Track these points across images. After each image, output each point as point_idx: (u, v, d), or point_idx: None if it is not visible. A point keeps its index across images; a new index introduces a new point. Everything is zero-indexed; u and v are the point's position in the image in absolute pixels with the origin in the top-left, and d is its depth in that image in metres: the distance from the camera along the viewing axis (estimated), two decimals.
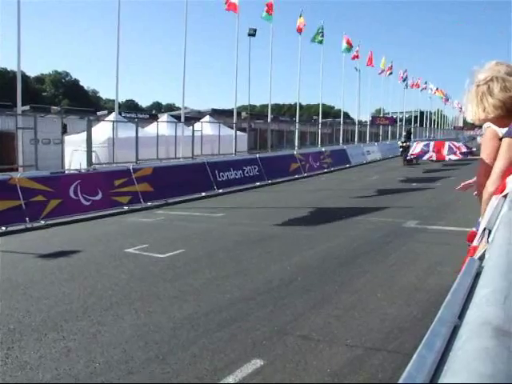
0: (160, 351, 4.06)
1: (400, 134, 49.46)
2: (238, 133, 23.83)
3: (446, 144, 22.58)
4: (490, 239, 1.72)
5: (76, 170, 14.48)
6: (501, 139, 2.48)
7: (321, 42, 30.24)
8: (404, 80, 49.30)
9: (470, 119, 2.37)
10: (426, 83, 57.11)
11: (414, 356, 0.75)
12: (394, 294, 5.25)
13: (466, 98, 2.26)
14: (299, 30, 27.37)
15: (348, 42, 33.64)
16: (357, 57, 36.00)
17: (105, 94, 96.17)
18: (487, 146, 2.80)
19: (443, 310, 0.93)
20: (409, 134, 27.89)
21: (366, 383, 3.44)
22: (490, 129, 2.87)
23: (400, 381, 0.68)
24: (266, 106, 30.18)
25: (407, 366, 0.74)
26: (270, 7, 23.98)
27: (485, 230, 1.99)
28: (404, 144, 26.41)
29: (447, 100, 69.89)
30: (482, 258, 1.48)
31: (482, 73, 2.28)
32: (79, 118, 25.06)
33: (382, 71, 41.55)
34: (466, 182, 3.73)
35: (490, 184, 2.39)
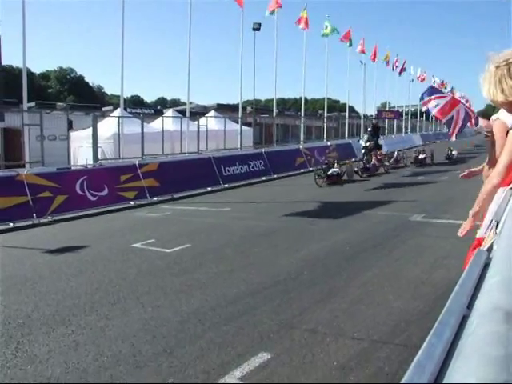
0: (167, 345, 4.09)
1: (406, 128, 49.13)
2: (244, 127, 23.79)
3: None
4: (497, 230, 1.72)
5: (82, 165, 14.55)
6: (507, 132, 2.46)
7: (332, 31, 29.87)
8: (416, 74, 49.07)
9: (485, 96, 2.34)
10: (432, 76, 56.70)
11: (424, 344, 0.75)
12: (400, 288, 5.25)
13: (483, 77, 2.22)
14: (300, 23, 26.96)
15: (346, 36, 32.97)
16: (363, 51, 35.70)
17: (110, 89, 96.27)
18: (498, 138, 2.79)
19: (452, 299, 0.93)
20: (375, 129, 19.33)
21: (372, 382, 3.44)
22: (499, 121, 2.85)
23: (410, 368, 0.68)
24: (272, 100, 30.09)
25: (417, 354, 0.74)
26: (276, 2, 23.76)
27: (492, 221, 1.98)
28: (368, 144, 18.19)
29: (452, 93, 69.40)
30: (490, 249, 1.48)
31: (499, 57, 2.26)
32: (85, 114, 25.08)
33: (388, 62, 41.23)
34: (472, 170, 3.72)
35: (495, 175, 2.36)
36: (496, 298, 0.64)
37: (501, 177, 2.32)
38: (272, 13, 24.03)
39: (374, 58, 38.02)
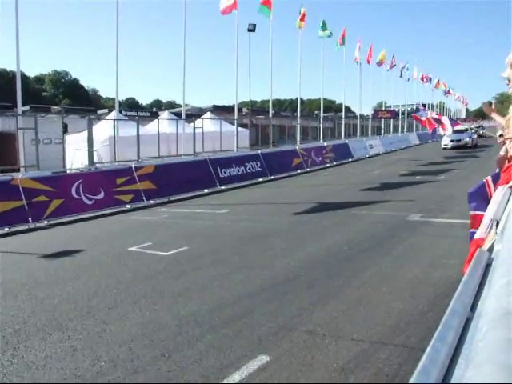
0: (165, 349, 4.05)
1: (402, 127, 49.23)
2: (240, 129, 23.78)
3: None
4: (498, 230, 1.69)
5: (78, 169, 14.48)
6: None
7: (330, 34, 30.07)
8: (412, 73, 49.39)
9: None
10: (427, 73, 56.87)
11: (428, 349, 0.72)
12: (399, 288, 5.23)
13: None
14: (303, 20, 26.92)
15: (342, 37, 33.15)
16: (357, 59, 35.80)
17: (105, 92, 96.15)
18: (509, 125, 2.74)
19: (455, 302, 0.90)
20: None
21: (377, 383, 3.42)
22: None
23: (415, 374, 0.66)
24: (267, 101, 30.17)
25: (421, 359, 0.72)
26: (268, 1, 23.73)
27: (492, 221, 1.96)
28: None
29: (449, 92, 69.62)
30: (490, 249, 1.46)
31: None
32: (80, 118, 25.03)
33: (382, 62, 41.34)
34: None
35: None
36: (505, 302, 0.62)
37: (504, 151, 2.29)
38: (267, 11, 23.86)
39: (370, 57, 38.04)
